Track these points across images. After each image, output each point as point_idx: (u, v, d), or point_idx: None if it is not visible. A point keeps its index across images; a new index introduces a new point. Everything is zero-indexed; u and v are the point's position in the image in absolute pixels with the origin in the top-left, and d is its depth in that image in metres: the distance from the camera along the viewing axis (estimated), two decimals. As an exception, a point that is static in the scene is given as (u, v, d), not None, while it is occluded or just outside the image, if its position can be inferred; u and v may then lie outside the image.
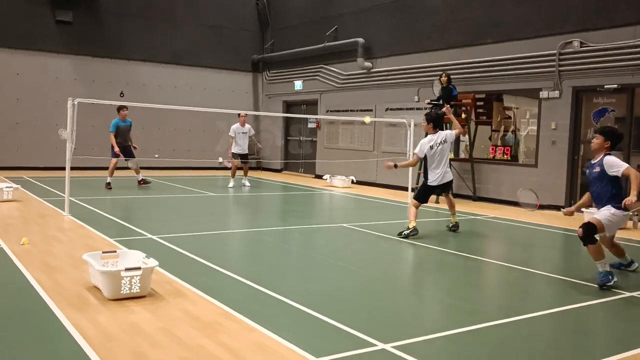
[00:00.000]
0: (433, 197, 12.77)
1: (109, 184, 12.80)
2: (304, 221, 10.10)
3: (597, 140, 6.12)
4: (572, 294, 5.69)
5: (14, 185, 10.51)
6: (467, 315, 4.80)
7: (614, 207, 5.88)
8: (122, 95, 18.03)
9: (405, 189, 13.31)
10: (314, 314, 4.56)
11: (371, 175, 16.30)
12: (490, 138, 13.89)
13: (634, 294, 5.56)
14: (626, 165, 5.87)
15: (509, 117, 13.76)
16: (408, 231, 8.01)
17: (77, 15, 17.45)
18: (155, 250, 6.48)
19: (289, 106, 20.27)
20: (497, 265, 6.88)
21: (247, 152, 14.38)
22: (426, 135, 8.60)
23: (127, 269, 4.74)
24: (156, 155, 18.53)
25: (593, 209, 9.36)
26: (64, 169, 9.33)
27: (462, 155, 13.86)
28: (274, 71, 20.60)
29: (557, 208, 11.83)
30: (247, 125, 14.31)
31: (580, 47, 11.53)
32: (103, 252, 5.32)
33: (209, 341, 3.88)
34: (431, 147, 8.34)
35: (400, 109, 15.42)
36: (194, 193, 13.03)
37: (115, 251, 5.46)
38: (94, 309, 4.48)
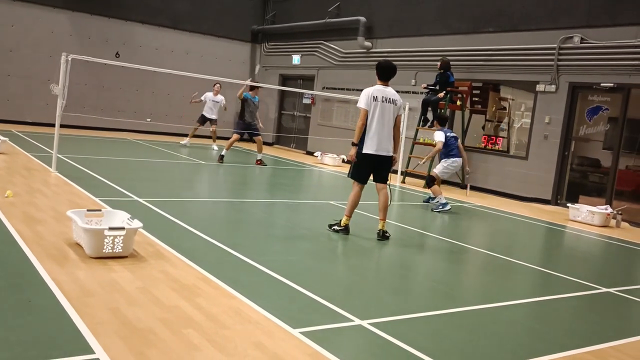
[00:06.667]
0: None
1: (222, 157, 12.84)
2: (291, 195, 10.11)
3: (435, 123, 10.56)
4: (549, 286, 5.77)
5: (2, 138, 10.39)
6: (444, 299, 4.86)
7: (445, 161, 9.87)
8: (117, 55, 17.80)
9: (394, 171, 13.36)
10: (293, 285, 4.59)
11: (362, 156, 16.26)
12: (483, 127, 13.91)
13: (610, 290, 5.65)
14: (438, 140, 9.80)
15: (504, 108, 13.77)
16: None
17: (77, -30, 17.15)
18: (140, 213, 6.47)
19: (285, 80, 20.13)
20: (479, 252, 6.94)
21: (214, 117, 15.90)
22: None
23: (110, 228, 4.73)
24: (148, 119, 18.40)
25: (577, 205, 9.53)
26: (53, 125, 9.25)
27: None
28: (273, 43, 20.41)
29: (544, 202, 11.95)
30: (220, 96, 15.81)
31: (581, 42, 11.51)
32: (88, 210, 5.30)
33: (186, 303, 3.90)
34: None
35: (397, 91, 15.29)
36: (183, 159, 12.98)
37: (100, 210, 5.44)
38: (73, 264, 4.47)
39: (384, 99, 6.64)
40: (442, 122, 10.32)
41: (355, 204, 6.77)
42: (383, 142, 6.60)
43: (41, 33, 16.81)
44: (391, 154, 6.70)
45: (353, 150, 6.66)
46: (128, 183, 8.65)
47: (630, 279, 6.63)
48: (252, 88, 13.27)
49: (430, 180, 9.84)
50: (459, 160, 9.95)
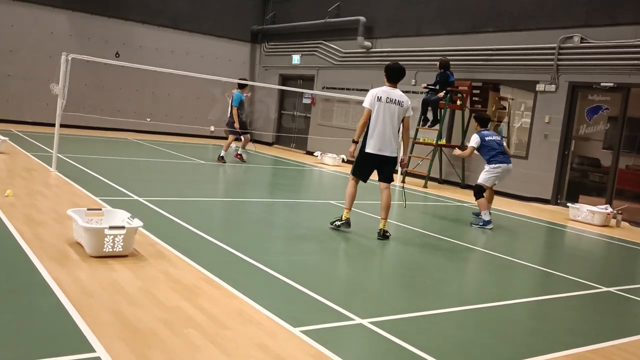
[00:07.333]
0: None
1: (222, 157, 12.80)
2: (291, 195, 10.12)
3: (473, 122, 9.27)
4: (550, 285, 5.77)
5: (2, 138, 10.39)
6: (446, 298, 4.86)
7: (487, 166, 8.57)
8: (117, 55, 17.79)
9: (395, 171, 13.34)
10: (295, 285, 4.58)
11: (362, 156, 16.24)
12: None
13: (611, 289, 5.65)
14: (470, 145, 8.66)
15: (504, 108, 13.77)
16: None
17: (76, -30, 17.14)
18: (141, 212, 6.46)
19: (285, 80, 20.12)
20: (479, 251, 6.94)
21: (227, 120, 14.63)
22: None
23: (111, 227, 4.72)
24: (148, 119, 18.39)
25: (577, 204, 9.44)
26: (53, 125, 9.25)
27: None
28: (273, 43, 20.40)
29: (544, 201, 11.95)
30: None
31: (580, 42, 11.51)
32: (88, 209, 5.30)
33: (187, 304, 3.90)
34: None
35: (397, 91, 15.32)
36: (183, 159, 12.97)
37: (100, 209, 5.44)
38: (74, 264, 4.47)
39: (388, 100, 6.66)
40: (483, 122, 8.91)
41: (352, 196, 6.86)
42: (386, 142, 6.65)
43: (41, 33, 16.80)
44: (395, 154, 6.74)
45: (352, 147, 6.84)
46: (128, 183, 8.64)
47: (630, 278, 6.64)
48: (242, 87, 13.20)
49: (478, 192, 8.50)
50: (504, 165, 8.54)
